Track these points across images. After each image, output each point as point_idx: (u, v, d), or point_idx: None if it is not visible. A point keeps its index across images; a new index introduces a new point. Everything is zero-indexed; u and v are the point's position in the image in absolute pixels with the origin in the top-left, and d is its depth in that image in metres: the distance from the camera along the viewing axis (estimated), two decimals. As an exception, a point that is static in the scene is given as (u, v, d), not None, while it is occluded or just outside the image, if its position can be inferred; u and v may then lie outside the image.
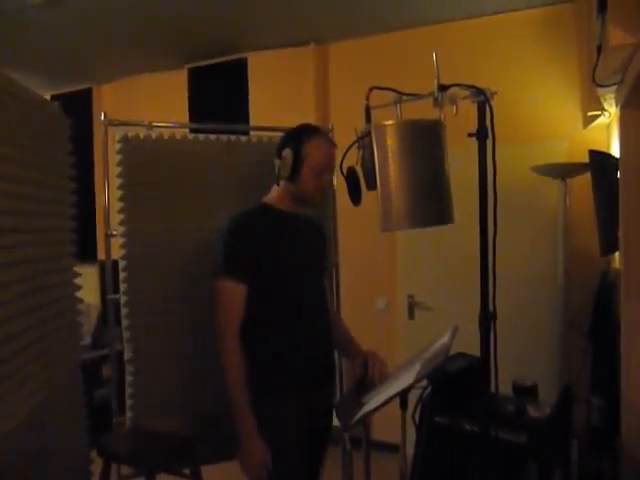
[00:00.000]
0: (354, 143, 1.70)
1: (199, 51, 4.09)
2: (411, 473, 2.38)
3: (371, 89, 1.69)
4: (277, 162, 1.92)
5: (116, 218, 2.32)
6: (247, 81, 4.05)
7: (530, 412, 2.27)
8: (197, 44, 4.00)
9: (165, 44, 4.01)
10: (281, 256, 1.90)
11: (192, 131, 2.83)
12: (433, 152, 1.60)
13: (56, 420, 1.81)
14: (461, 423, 2.28)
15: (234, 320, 1.84)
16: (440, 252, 3.60)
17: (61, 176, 2.04)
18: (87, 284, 2.28)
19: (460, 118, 1.60)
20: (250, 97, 4.03)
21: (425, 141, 1.59)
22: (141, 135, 2.36)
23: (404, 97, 1.71)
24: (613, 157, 2.62)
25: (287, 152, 1.88)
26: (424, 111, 1.59)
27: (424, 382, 2.25)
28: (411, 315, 3.75)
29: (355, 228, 3.38)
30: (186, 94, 4.33)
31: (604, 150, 2.94)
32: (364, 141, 1.66)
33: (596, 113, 2.87)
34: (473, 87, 1.60)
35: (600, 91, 2.41)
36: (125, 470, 2.38)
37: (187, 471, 2.19)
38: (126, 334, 2.31)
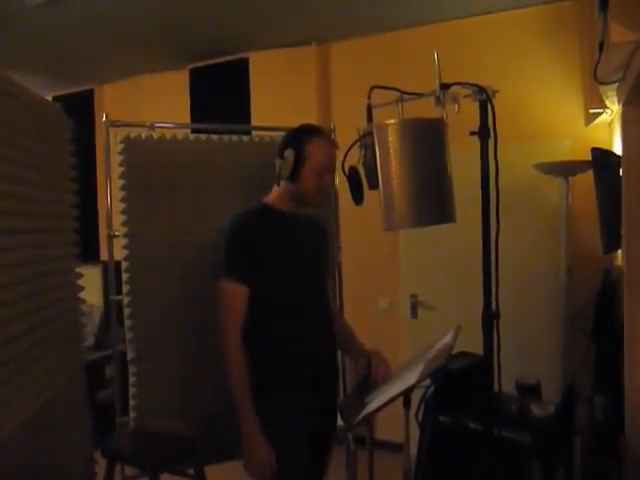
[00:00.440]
0: (356, 142, 1.69)
1: (200, 51, 4.09)
2: (415, 472, 2.38)
3: (372, 88, 1.69)
4: (278, 162, 1.92)
5: (118, 219, 2.32)
6: (248, 81, 4.04)
7: (533, 411, 2.27)
8: (198, 44, 4.00)
9: (166, 44, 4.01)
10: (282, 256, 1.90)
11: (194, 131, 2.83)
12: (435, 151, 1.60)
13: (59, 421, 1.82)
14: (464, 422, 2.28)
15: (236, 321, 1.84)
16: (442, 251, 3.60)
17: (63, 177, 2.04)
18: (90, 285, 2.28)
19: (462, 117, 1.60)
20: (251, 97, 4.03)
21: (427, 140, 1.59)
22: (143, 136, 2.36)
23: (406, 96, 1.71)
24: (615, 154, 2.62)
25: (289, 152, 1.87)
26: (426, 110, 1.59)
27: (427, 381, 2.25)
28: (414, 314, 3.75)
29: (357, 227, 3.38)
30: (187, 94, 4.33)
31: (606, 147, 2.93)
32: (366, 140, 1.65)
33: (598, 111, 2.86)
34: (475, 85, 1.60)
35: (602, 88, 2.41)
36: (129, 471, 2.39)
37: (191, 471, 2.19)
38: (129, 335, 2.31)
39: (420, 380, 1.64)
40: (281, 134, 2.02)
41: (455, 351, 1.84)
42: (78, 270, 2.12)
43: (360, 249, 3.72)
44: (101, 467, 2.09)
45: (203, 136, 2.49)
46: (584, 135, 3.23)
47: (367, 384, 1.94)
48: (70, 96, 4.80)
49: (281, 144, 1.93)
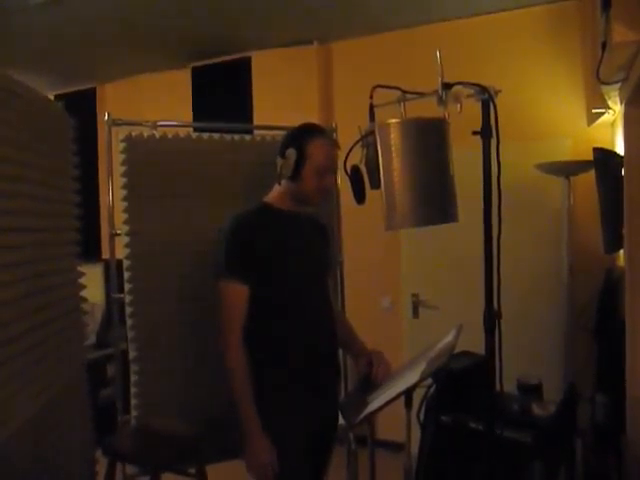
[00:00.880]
0: (358, 142, 1.69)
1: (203, 50, 4.09)
2: (416, 472, 2.38)
3: (375, 87, 1.69)
4: (280, 161, 1.91)
5: (120, 217, 2.32)
6: (251, 80, 4.05)
7: (535, 410, 2.27)
8: (201, 44, 4.00)
9: (169, 43, 4.01)
10: (282, 255, 1.90)
11: (196, 130, 2.83)
12: (437, 150, 1.60)
13: (60, 420, 1.82)
14: (466, 422, 2.28)
15: (237, 321, 1.83)
16: (444, 251, 3.60)
17: (65, 176, 2.04)
18: (91, 283, 2.28)
19: (464, 116, 1.60)
20: (254, 96, 4.04)
21: (429, 139, 1.59)
22: (145, 134, 2.36)
23: (408, 95, 1.70)
24: (617, 154, 2.62)
25: (290, 151, 1.87)
26: (428, 109, 1.59)
27: (429, 381, 2.25)
28: (415, 314, 3.75)
29: (359, 227, 3.38)
30: (190, 93, 4.33)
31: (608, 147, 2.93)
32: (368, 140, 1.65)
33: (600, 111, 2.86)
34: (477, 85, 1.60)
35: (604, 88, 2.40)
36: (130, 470, 2.39)
37: (192, 470, 2.19)
38: (130, 333, 2.31)
39: (421, 379, 1.63)
40: (283, 133, 2.02)
41: (457, 351, 1.84)
42: (80, 269, 2.12)
43: (362, 248, 3.72)
44: (102, 466, 2.09)
45: (205, 135, 2.49)
46: (586, 135, 3.22)
47: (368, 383, 1.94)
48: (72, 95, 4.80)
49: (282, 143, 1.93)
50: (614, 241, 2.42)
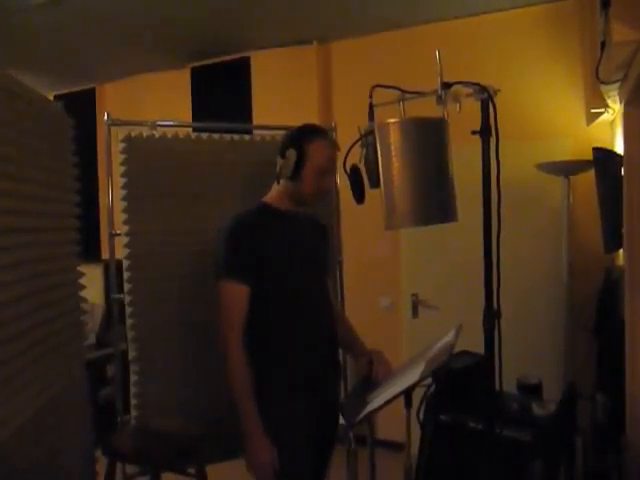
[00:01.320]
0: (357, 141, 1.70)
1: (202, 50, 4.09)
2: (416, 471, 2.38)
3: (374, 87, 1.69)
4: (280, 161, 1.91)
5: (120, 217, 2.32)
6: (250, 80, 4.05)
7: (534, 410, 2.27)
8: (200, 43, 4.00)
9: (168, 43, 4.01)
10: (282, 255, 1.90)
11: (195, 130, 2.83)
12: (437, 150, 1.60)
13: (61, 420, 1.82)
14: (465, 421, 2.28)
15: (237, 321, 1.83)
16: (444, 250, 3.60)
17: (65, 176, 2.04)
18: (91, 283, 2.28)
19: (463, 116, 1.60)
20: (253, 96, 4.04)
21: (429, 139, 1.59)
22: (144, 134, 2.36)
23: (407, 95, 1.71)
24: (617, 154, 2.62)
25: (290, 152, 1.87)
26: (427, 109, 1.59)
27: (428, 380, 2.25)
28: (415, 313, 3.75)
29: (359, 226, 3.38)
30: (189, 93, 4.33)
31: (608, 147, 2.93)
32: (367, 139, 1.65)
33: (600, 110, 2.86)
34: (476, 85, 1.60)
35: (604, 88, 2.40)
36: (130, 469, 2.39)
37: (192, 470, 2.19)
38: (130, 333, 2.32)
39: (421, 379, 1.63)
40: (282, 133, 2.02)
41: (456, 350, 1.84)
42: (79, 269, 2.12)
43: (361, 248, 3.72)
44: (102, 465, 2.09)
45: (204, 135, 2.49)
46: (585, 134, 3.22)
47: (368, 383, 1.94)
48: (71, 95, 4.80)
49: (283, 143, 1.93)
50: (614, 240, 2.42)
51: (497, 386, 1.68)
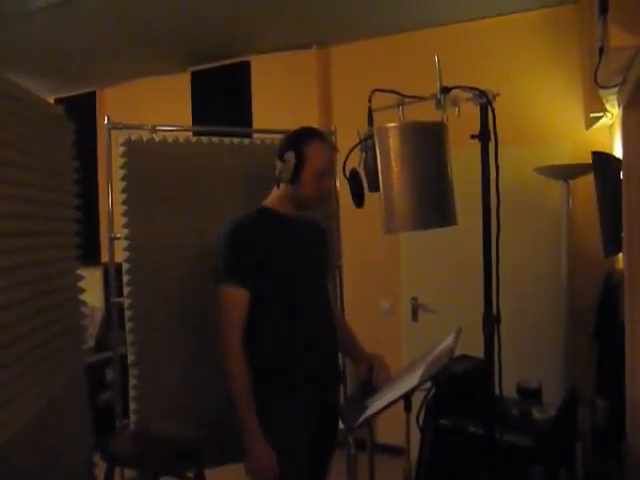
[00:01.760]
0: (357, 145, 1.70)
1: (202, 54, 4.10)
2: (416, 476, 2.37)
3: (373, 91, 1.69)
4: (279, 164, 1.92)
5: (120, 221, 2.32)
6: (250, 84, 4.05)
7: (535, 414, 2.27)
8: (200, 47, 4.01)
9: (168, 47, 4.02)
10: (282, 259, 1.90)
11: (195, 134, 2.83)
12: (436, 154, 1.60)
13: (60, 423, 1.82)
14: (465, 425, 2.28)
15: (237, 325, 1.83)
16: (443, 254, 3.59)
17: (65, 179, 2.04)
18: (91, 287, 2.28)
19: (462, 120, 1.60)
20: (253, 100, 4.04)
21: (428, 143, 1.59)
22: (144, 138, 2.36)
23: (406, 99, 1.71)
24: (616, 158, 2.62)
25: (289, 155, 1.87)
26: (427, 113, 1.59)
27: (428, 384, 2.25)
28: (415, 317, 3.75)
29: (358, 230, 3.38)
30: (189, 97, 4.34)
31: (607, 151, 2.93)
32: (367, 143, 1.66)
33: (598, 114, 2.87)
34: (475, 89, 1.60)
35: (602, 92, 2.41)
36: (129, 473, 2.38)
37: (191, 474, 2.18)
38: (130, 337, 2.31)
39: (421, 383, 1.63)
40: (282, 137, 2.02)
41: (456, 354, 1.83)
42: (79, 272, 2.12)
43: (361, 251, 3.72)
44: (101, 470, 2.09)
45: (204, 139, 2.50)
46: (584, 138, 3.23)
47: (368, 388, 1.93)
48: (72, 98, 4.80)
49: (281, 146, 1.93)
50: (613, 244, 2.42)
51: (497, 390, 1.68)
